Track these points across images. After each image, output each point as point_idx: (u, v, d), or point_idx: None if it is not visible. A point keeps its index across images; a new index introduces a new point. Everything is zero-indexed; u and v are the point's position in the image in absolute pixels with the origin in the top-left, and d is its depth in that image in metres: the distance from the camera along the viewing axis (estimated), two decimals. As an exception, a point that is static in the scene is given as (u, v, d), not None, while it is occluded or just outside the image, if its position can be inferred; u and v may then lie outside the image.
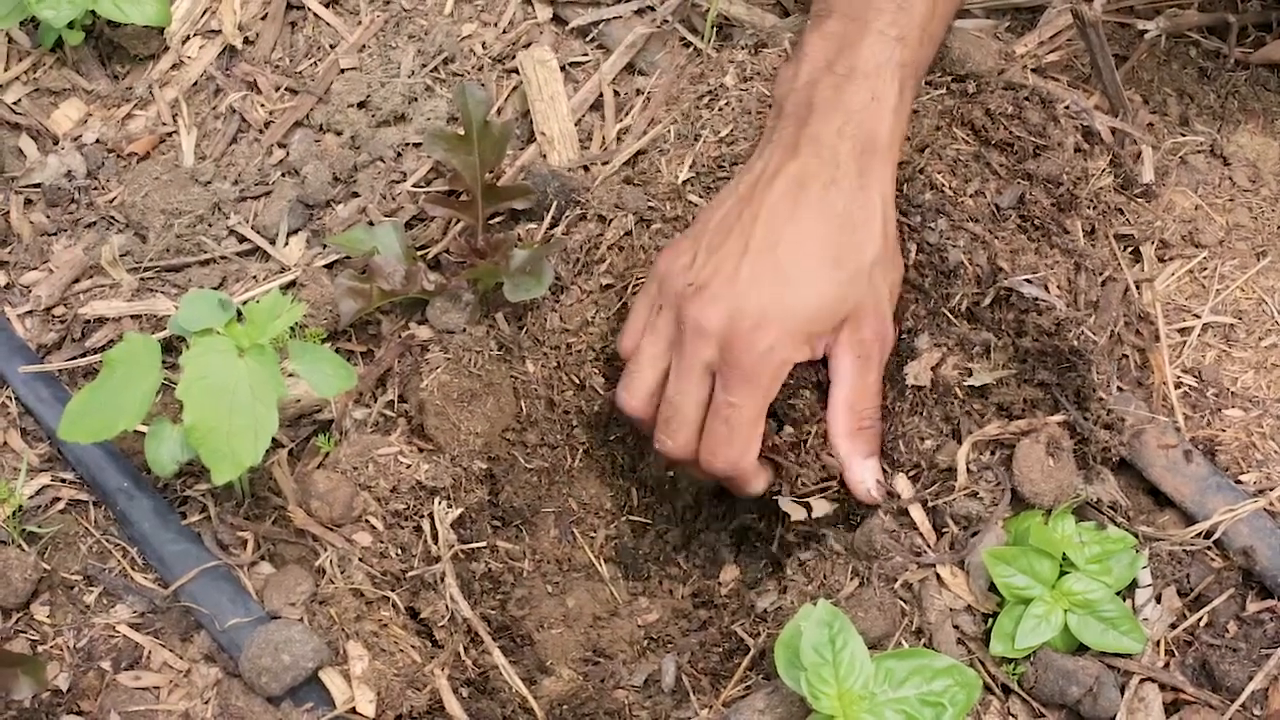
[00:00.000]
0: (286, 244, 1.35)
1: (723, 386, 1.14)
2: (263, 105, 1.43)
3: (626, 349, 1.22)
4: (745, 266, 1.13)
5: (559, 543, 1.35)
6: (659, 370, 1.19)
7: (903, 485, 1.20)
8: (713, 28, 1.41)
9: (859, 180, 1.15)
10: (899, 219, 1.21)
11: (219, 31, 1.47)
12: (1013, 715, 1.11)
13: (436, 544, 1.21)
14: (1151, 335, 1.26)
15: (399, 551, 1.20)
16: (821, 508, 1.20)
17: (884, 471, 1.19)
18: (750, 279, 1.13)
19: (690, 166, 1.31)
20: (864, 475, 1.18)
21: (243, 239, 1.36)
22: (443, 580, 1.20)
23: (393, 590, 1.18)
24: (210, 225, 1.36)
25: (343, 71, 1.44)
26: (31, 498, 1.21)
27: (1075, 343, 1.17)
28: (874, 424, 1.19)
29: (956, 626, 1.13)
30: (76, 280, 1.33)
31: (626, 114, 1.40)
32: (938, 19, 1.23)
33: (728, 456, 1.16)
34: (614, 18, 1.45)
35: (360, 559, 1.18)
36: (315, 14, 1.49)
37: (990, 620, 1.14)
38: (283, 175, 1.39)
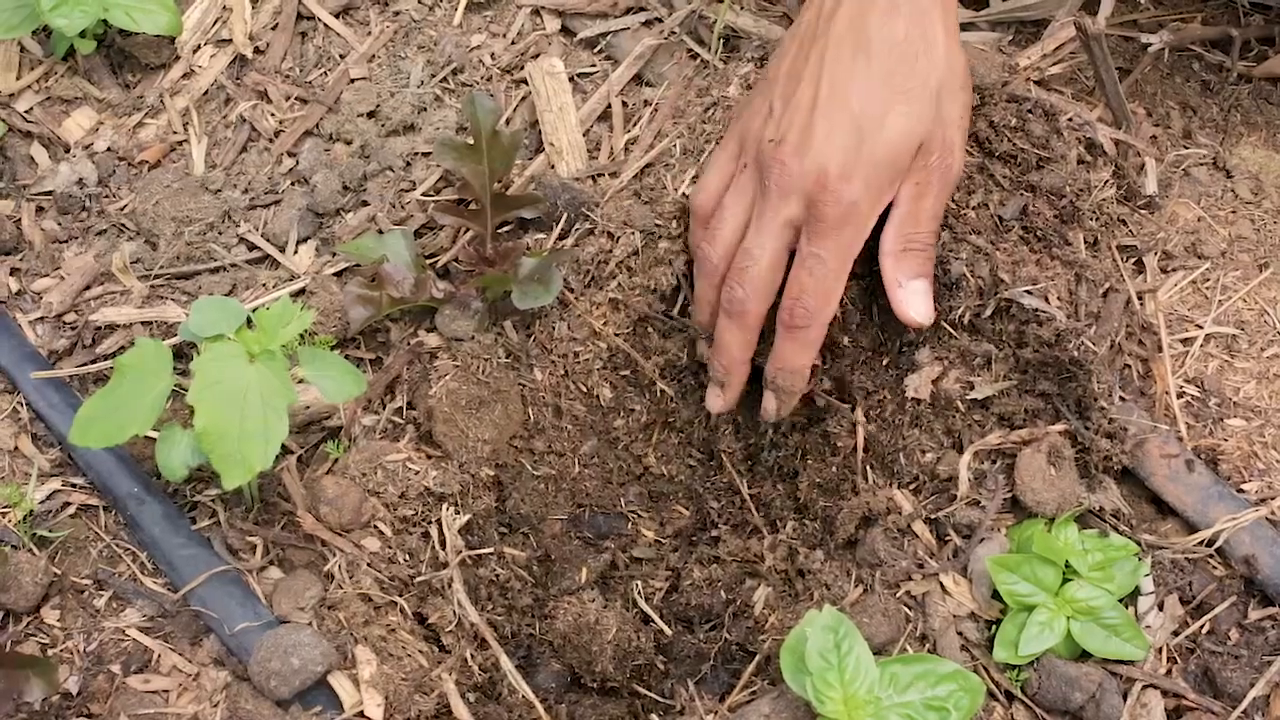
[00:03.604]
0: (296, 252, 1.36)
1: (808, 239, 1.16)
2: (273, 114, 1.44)
3: (704, 205, 1.24)
4: (819, 120, 1.14)
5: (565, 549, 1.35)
6: (740, 224, 1.21)
7: (904, 498, 1.20)
8: (719, 40, 1.42)
9: (916, 3, 1.15)
10: None
11: (230, 41, 1.48)
12: (1016, 722, 1.12)
13: (444, 550, 1.22)
14: (1154, 345, 1.26)
15: (407, 557, 1.21)
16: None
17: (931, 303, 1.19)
18: (826, 133, 1.14)
19: (694, 182, 1.32)
20: (907, 296, 1.19)
21: (253, 247, 1.36)
22: (450, 586, 1.21)
23: (401, 595, 1.19)
24: (220, 233, 1.37)
25: (352, 81, 1.45)
26: (42, 502, 1.22)
27: (1075, 353, 1.18)
28: (923, 248, 1.19)
29: (960, 633, 1.14)
30: (87, 287, 1.34)
31: (634, 125, 1.41)
32: None
33: (808, 306, 1.17)
34: (622, 29, 1.46)
35: (369, 564, 1.18)
36: (325, 24, 1.50)
37: (993, 627, 1.14)
38: (292, 184, 1.40)
